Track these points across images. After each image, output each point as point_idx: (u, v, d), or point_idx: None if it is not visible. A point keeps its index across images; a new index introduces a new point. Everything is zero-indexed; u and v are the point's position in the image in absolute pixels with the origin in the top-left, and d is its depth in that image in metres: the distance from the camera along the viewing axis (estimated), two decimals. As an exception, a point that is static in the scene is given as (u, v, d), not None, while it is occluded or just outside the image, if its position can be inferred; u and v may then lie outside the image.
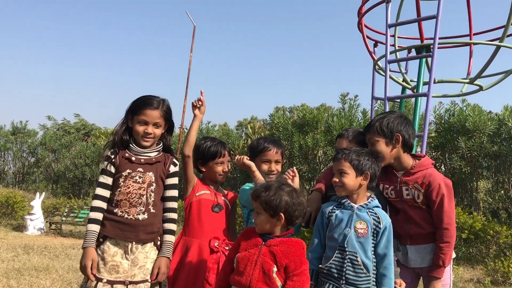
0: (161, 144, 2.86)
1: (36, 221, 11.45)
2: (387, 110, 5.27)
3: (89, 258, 2.59)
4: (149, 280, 2.66)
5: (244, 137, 16.42)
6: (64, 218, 11.87)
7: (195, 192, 3.01)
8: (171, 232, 2.78)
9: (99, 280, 2.60)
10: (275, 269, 2.26)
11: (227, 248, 2.89)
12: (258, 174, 2.91)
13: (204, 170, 3.09)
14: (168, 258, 2.72)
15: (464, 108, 11.22)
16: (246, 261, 2.31)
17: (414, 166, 2.80)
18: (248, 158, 3.06)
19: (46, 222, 11.95)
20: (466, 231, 9.12)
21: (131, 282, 2.63)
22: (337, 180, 2.57)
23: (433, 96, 4.99)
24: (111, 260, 2.63)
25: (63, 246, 8.96)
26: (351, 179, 2.55)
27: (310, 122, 12.50)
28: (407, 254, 2.82)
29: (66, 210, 12.10)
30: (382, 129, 2.76)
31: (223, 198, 3.08)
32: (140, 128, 2.74)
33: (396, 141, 2.77)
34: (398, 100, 5.92)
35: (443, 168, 11.44)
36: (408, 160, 2.83)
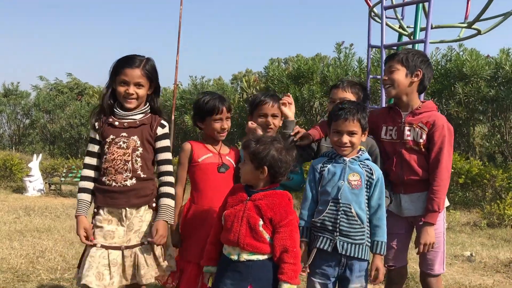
0: (148, 105, 2.74)
1: (35, 182, 11.51)
2: (384, 58, 5.18)
3: (81, 227, 2.59)
4: (145, 243, 2.63)
5: (239, 91, 16.26)
6: (63, 179, 11.92)
7: (196, 159, 2.87)
8: (169, 195, 2.69)
9: (93, 245, 2.58)
10: (261, 222, 2.27)
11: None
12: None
13: (203, 127, 2.95)
14: (166, 221, 2.65)
15: (461, 53, 11.10)
16: (232, 218, 2.32)
17: (419, 107, 2.80)
18: (253, 123, 2.99)
19: (45, 183, 12.01)
20: (463, 176, 9.23)
21: (126, 247, 2.60)
22: (347, 141, 2.50)
23: (430, 42, 4.88)
24: (106, 227, 2.61)
25: (64, 206, 9.03)
26: (359, 138, 2.52)
27: (306, 74, 12.38)
28: (401, 203, 2.81)
29: (65, 171, 12.14)
30: (407, 60, 2.78)
31: (227, 157, 2.94)
32: (121, 89, 2.62)
33: (416, 76, 2.79)
34: (395, 48, 5.80)
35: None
36: (416, 99, 2.84)
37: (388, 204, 2.81)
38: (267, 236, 2.28)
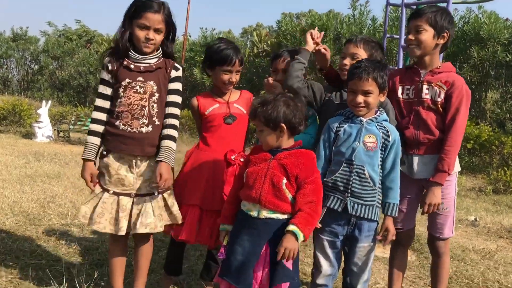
0: (160, 50, 2.68)
1: (44, 129, 11.55)
2: (404, 17, 5.05)
3: (87, 172, 2.60)
4: (155, 193, 2.65)
5: (249, 45, 16.00)
6: (71, 126, 11.96)
7: (203, 111, 2.85)
8: (171, 137, 2.64)
9: (105, 190, 2.62)
10: (284, 181, 2.27)
11: (242, 160, 2.81)
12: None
13: (211, 74, 2.89)
14: (168, 163, 2.61)
15: (480, 15, 10.79)
16: (255, 175, 2.31)
17: (439, 66, 2.77)
18: (268, 80, 2.95)
19: (54, 130, 12.07)
20: (471, 141, 9.19)
21: (137, 195, 2.63)
22: (361, 100, 2.45)
23: (453, 3, 4.75)
24: (115, 173, 2.61)
25: (73, 154, 9.11)
26: (375, 98, 2.47)
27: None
28: (413, 164, 2.79)
29: (73, 118, 12.17)
30: (436, 21, 2.69)
31: (235, 105, 2.89)
32: (141, 33, 2.56)
33: (442, 37, 2.73)
34: (415, 6, 5.64)
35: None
36: (437, 60, 2.80)
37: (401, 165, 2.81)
38: (289, 196, 2.29)
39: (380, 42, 3.00)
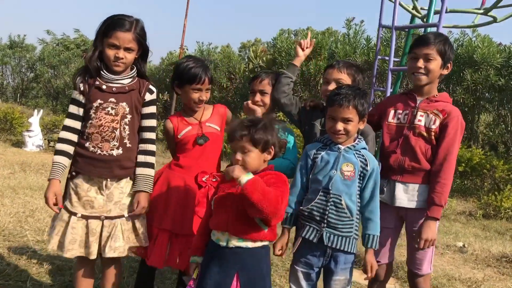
0: (135, 69, 2.61)
1: (34, 138, 11.44)
2: (394, 40, 5.01)
3: (51, 191, 2.49)
4: (125, 215, 2.57)
5: (246, 61, 16.00)
6: (62, 136, 11.84)
7: (177, 135, 2.78)
8: (149, 165, 2.61)
9: (73, 214, 2.52)
10: None
11: (214, 180, 2.74)
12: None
13: (180, 93, 2.81)
14: (148, 192, 2.60)
15: (474, 38, 10.81)
16: (222, 202, 2.22)
17: (436, 95, 2.72)
18: (248, 102, 2.88)
19: (45, 139, 11.95)
20: (463, 164, 9.13)
21: (106, 218, 2.54)
22: (341, 128, 2.37)
23: (443, 27, 4.70)
24: (85, 195, 2.52)
25: (61, 165, 8.96)
26: (355, 126, 2.40)
27: (314, 48, 12.04)
28: (394, 191, 2.70)
29: (65, 128, 12.05)
30: (445, 50, 2.66)
31: (208, 123, 2.81)
32: (111, 52, 2.48)
33: (446, 68, 2.71)
34: (406, 30, 5.61)
35: (446, 100, 11.23)
36: (435, 88, 2.77)
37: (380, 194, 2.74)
38: (258, 220, 2.18)
39: (361, 66, 2.96)
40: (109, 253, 2.52)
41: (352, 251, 2.41)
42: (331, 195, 2.35)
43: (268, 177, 2.18)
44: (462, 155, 9.14)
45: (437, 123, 2.64)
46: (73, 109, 2.57)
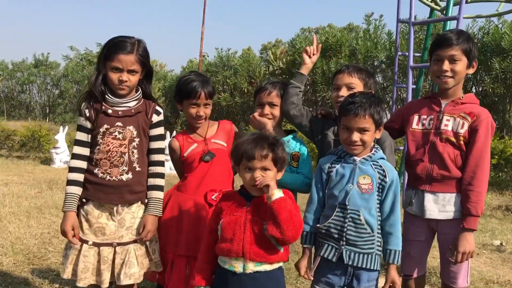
0: (140, 91, 2.55)
1: (61, 154, 11.61)
2: (412, 35, 4.82)
3: (69, 224, 2.43)
4: (138, 240, 2.51)
5: (266, 63, 15.89)
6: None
7: (183, 154, 2.70)
8: (158, 188, 2.55)
9: (84, 242, 2.46)
10: (266, 226, 2.06)
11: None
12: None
13: (181, 109, 2.74)
14: (156, 216, 2.53)
15: (500, 25, 10.43)
16: (233, 225, 2.09)
17: (462, 97, 2.54)
18: (255, 116, 2.76)
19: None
20: (496, 157, 8.80)
21: (119, 244, 2.47)
22: (357, 139, 2.23)
23: (464, 17, 4.50)
24: (96, 222, 2.46)
25: (87, 180, 9.04)
26: (371, 135, 2.25)
27: (334, 46, 11.93)
28: (423, 202, 2.54)
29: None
30: (470, 49, 2.50)
31: (213, 140, 2.72)
32: (114, 76, 2.42)
33: (472, 67, 2.54)
34: (425, 25, 5.41)
35: (474, 90, 10.88)
36: (460, 90, 2.59)
37: (408, 206, 2.59)
38: (274, 242, 2.07)
39: (370, 70, 2.81)
40: (124, 281, 2.45)
41: (375, 269, 2.27)
42: (349, 211, 2.22)
43: None
44: (495, 147, 8.81)
45: (466, 127, 2.46)
46: (80, 136, 2.51)
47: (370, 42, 11.58)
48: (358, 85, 2.57)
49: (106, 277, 2.45)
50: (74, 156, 2.51)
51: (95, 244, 2.46)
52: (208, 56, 17.25)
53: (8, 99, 21.47)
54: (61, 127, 12.21)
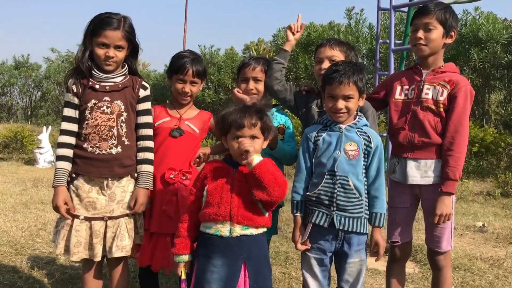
0: (126, 67, 2.58)
1: (45, 154, 11.51)
2: (393, 21, 4.91)
3: (61, 198, 2.43)
4: (129, 214, 2.53)
5: (249, 60, 15.91)
6: (72, 151, 11.89)
7: (154, 122, 2.70)
8: (148, 161, 2.58)
9: (75, 217, 2.47)
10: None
11: (184, 178, 2.64)
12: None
13: (170, 84, 2.78)
14: (147, 189, 2.56)
15: (477, 17, 10.63)
16: (220, 190, 2.12)
17: (442, 66, 2.62)
18: (238, 91, 2.80)
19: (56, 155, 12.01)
20: (476, 145, 8.98)
21: (110, 218, 2.49)
22: (342, 106, 2.29)
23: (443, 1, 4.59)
24: (86, 196, 2.48)
25: (72, 178, 8.97)
26: (355, 103, 2.31)
27: (316, 41, 12.00)
28: (406, 169, 2.61)
29: (75, 143, 12.10)
30: (445, 18, 2.56)
31: (187, 122, 2.73)
32: (101, 52, 2.44)
33: (450, 37, 2.60)
34: (406, 9, 5.50)
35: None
36: (441, 60, 2.66)
37: (392, 173, 2.67)
38: (261, 207, 2.14)
39: (351, 43, 2.88)
40: (116, 253, 2.48)
41: (364, 232, 2.33)
42: (338, 177, 2.27)
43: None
44: (475, 135, 8.99)
45: (445, 94, 2.54)
46: (68, 112, 2.52)
47: (352, 36, 11.69)
48: (339, 57, 2.63)
49: (99, 251, 2.46)
50: (63, 132, 2.51)
51: (86, 219, 2.47)
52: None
53: (-12, 102, 21.15)
54: (45, 127, 12.09)
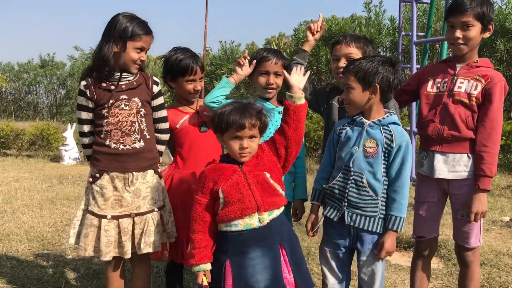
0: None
1: (70, 151, 11.72)
2: (415, 13, 4.84)
3: None
4: (155, 210, 2.56)
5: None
6: (97, 147, 12.07)
7: (174, 126, 2.74)
8: (161, 154, 2.71)
9: (102, 217, 2.48)
10: (268, 174, 2.15)
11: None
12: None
13: (175, 87, 2.79)
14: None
15: (504, 6, 10.38)
16: (236, 187, 2.12)
17: (477, 61, 2.55)
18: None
19: (81, 152, 12.20)
20: (503, 138, 8.77)
21: (137, 214, 2.52)
22: (344, 97, 2.32)
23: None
24: (112, 195, 2.49)
25: (97, 175, 9.12)
26: (357, 94, 2.27)
27: (337, 35, 11.90)
28: (433, 162, 2.56)
29: (99, 139, 12.28)
30: (483, 14, 2.45)
31: (205, 113, 2.74)
32: (136, 56, 2.50)
33: (488, 30, 2.52)
34: (428, 1, 5.40)
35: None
36: (476, 54, 2.58)
37: (420, 167, 2.62)
38: (278, 188, 2.18)
39: (367, 37, 2.82)
40: (145, 249, 2.50)
41: (378, 231, 2.28)
42: (352, 173, 2.25)
43: (260, 151, 2.22)
44: (503, 128, 8.79)
45: (479, 88, 2.47)
46: (84, 115, 2.56)
47: (374, 28, 11.55)
48: (356, 54, 2.59)
49: (128, 248, 2.49)
50: (83, 135, 2.60)
51: (113, 217, 2.48)
52: (212, 51, 17.29)
53: (15, 101, 21.63)
54: (69, 124, 12.30)
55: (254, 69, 2.80)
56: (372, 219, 2.27)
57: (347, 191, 2.26)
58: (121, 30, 2.45)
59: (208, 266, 2.16)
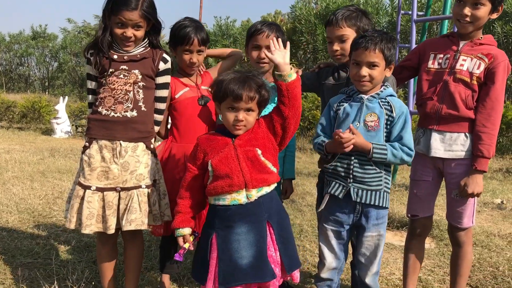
0: (147, 40, 2.52)
1: (62, 124, 11.62)
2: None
3: None
4: (142, 186, 2.45)
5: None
6: (89, 121, 11.97)
7: (174, 95, 2.65)
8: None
9: (87, 187, 2.40)
10: (259, 151, 2.08)
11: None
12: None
13: (175, 56, 2.70)
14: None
15: (503, -12, 10.30)
16: (226, 161, 2.07)
17: (481, 38, 2.47)
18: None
19: (73, 125, 12.11)
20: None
21: (122, 189, 2.42)
22: (366, 73, 2.20)
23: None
24: (98, 166, 2.41)
25: (89, 148, 9.05)
26: (380, 72, 2.22)
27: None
28: (430, 140, 2.52)
29: (91, 113, 12.17)
30: None
31: (204, 87, 2.70)
32: (119, 31, 2.40)
33: (497, 11, 2.44)
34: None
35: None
36: (480, 32, 2.49)
37: (416, 145, 2.58)
38: (269, 165, 2.11)
39: (361, 8, 2.71)
40: (125, 226, 2.40)
41: (384, 205, 2.27)
42: (354, 149, 2.21)
43: (256, 127, 2.15)
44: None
45: (482, 67, 2.41)
46: (90, 84, 2.53)
47: (372, 7, 11.43)
48: (349, 34, 2.51)
49: (112, 223, 2.39)
50: (90, 105, 2.56)
51: (98, 189, 2.39)
52: (207, 26, 17.07)
53: (6, 72, 21.34)
54: (61, 97, 12.17)
55: (247, 43, 2.73)
56: (378, 193, 2.24)
57: (352, 167, 2.22)
58: (106, 6, 2.41)
59: (186, 231, 2.16)
